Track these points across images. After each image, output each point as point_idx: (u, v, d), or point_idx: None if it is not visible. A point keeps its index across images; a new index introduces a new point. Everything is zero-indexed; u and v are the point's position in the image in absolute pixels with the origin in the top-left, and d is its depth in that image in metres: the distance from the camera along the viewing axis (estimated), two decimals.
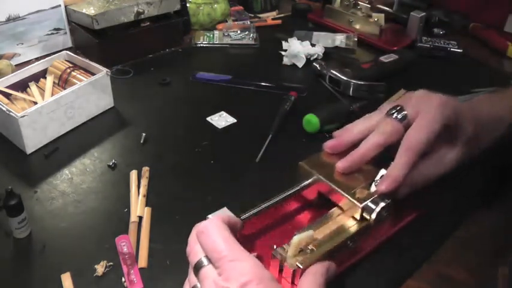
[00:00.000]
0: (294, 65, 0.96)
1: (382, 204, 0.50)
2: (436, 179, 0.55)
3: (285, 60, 0.96)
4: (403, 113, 0.55)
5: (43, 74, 0.81)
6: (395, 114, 0.55)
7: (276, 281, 0.41)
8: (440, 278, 0.53)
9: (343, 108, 0.79)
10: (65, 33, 0.98)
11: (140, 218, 0.59)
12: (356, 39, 1.02)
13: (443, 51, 0.99)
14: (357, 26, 1.07)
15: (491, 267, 0.54)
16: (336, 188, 0.53)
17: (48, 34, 0.96)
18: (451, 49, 0.98)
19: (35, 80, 0.80)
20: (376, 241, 0.54)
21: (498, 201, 0.63)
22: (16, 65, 0.88)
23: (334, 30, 1.09)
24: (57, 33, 0.97)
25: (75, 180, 0.65)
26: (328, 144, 0.58)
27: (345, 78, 0.85)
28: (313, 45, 0.98)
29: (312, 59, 0.97)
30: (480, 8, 1.11)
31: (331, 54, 0.99)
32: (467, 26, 1.10)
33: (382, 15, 1.05)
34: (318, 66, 0.91)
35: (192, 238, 0.45)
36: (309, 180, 0.56)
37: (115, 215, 0.60)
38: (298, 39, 0.99)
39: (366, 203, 0.51)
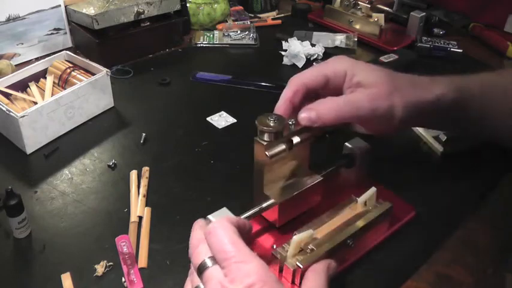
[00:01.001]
0: (294, 65, 0.96)
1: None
2: (365, 116, 0.53)
3: (285, 60, 0.96)
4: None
5: (43, 74, 0.81)
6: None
7: (281, 283, 0.41)
8: (440, 278, 0.53)
9: None
10: (65, 33, 0.98)
11: (140, 218, 0.59)
12: (356, 39, 1.02)
13: (443, 51, 0.99)
14: (357, 26, 1.07)
15: (491, 268, 0.54)
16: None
17: (48, 34, 0.96)
18: (451, 49, 0.98)
19: (35, 80, 0.80)
20: (376, 240, 0.54)
21: (499, 201, 0.63)
22: (16, 65, 0.88)
23: (334, 30, 1.09)
24: (57, 33, 0.97)
25: (75, 180, 0.65)
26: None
27: None
28: (313, 45, 0.98)
29: (312, 59, 0.97)
30: (480, 8, 1.11)
31: (331, 54, 0.99)
32: (467, 26, 1.10)
33: (382, 15, 1.05)
34: None
35: (194, 239, 0.45)
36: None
37: (115, 215, 0.60)
38: (298, 39, 0.99)
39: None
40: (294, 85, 0.55)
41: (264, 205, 0.52)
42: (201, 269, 0.42)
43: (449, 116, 0.58)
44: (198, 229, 0.45)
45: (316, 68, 0.57)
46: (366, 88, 0.53)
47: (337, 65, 0.55)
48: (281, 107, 0.55)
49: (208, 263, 0.42)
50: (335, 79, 0.55)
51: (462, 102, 0.57)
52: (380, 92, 0.53)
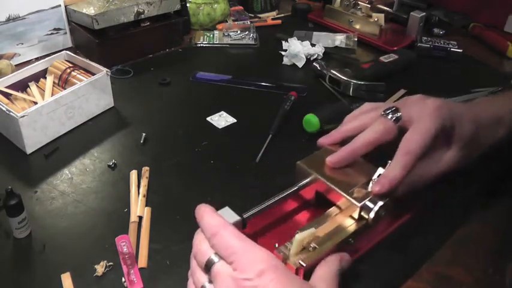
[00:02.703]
0: (294, 65, 0.96)
1: (380, 203, 0.50)
2: (434, 179, 0.56)
3: (285, 60, 0.96)
4: (398, 114, 0.56)
5: (43, 74, 0.81)
6: (390, 115, 0.56)
7: (289, 270, 0.42)
8: (440, 278, 0.53)
9: (343, 108, 0.79)
10: (65, 33, 0.98)
11: (140, 218, 0.59)
12: (356, 39, 1.03)
13: (443, 51, 0.99)
14: (357, 26, 1.07)
15: (491, 268, 0.54)
16: (334, 187, 0.53)
17: (48, 34, 0.96)
18: (451, 49, 0.98)
19: (35, 80, 0.80)
20: (377, 238, 0.54)
21: (498, 202, 0.63)
22: (16, 65, 0.88)
23: (334, 30, 1.09)
24: (57, 33, 0.97)
25: (75, 180, 0.65)
26: (321, 140, 0.60)
27: (345, 78, 0.85)
28: (313, 45, 0.98)
29: (312, 59, 0.97)
30: (480, 8, 1.11)
31: (331, 54, 0.99)
32: (467, 26, 1.10)
33: (382, 15, 1.05)
34: (318, 66, 0.91)
35: (198, 239, 0.45)
36: (307, 180, 0.56)
37: (115, 215, 0.60)
38: (298, 39, 0.99)
39: (363, 202, 0.51)
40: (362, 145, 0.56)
41: (264, 205, 0.52)
42: (209, 265, 0.42)
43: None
44: (200, 232, 0.45)
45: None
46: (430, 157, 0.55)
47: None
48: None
49: (215, 258, 0.42)
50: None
51: None
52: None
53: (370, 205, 0.50)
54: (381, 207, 0.50)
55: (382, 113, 0.57)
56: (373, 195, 0.51)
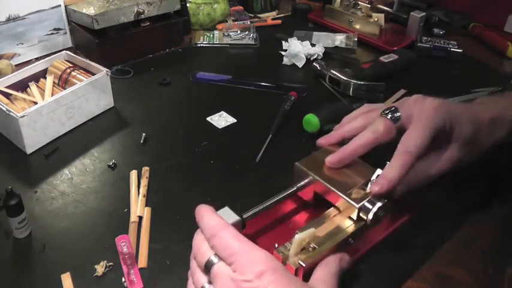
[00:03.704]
0: (294, 65, 0.96)
1: (379, 204, 0.50)
2: (433, 179, 0.56)
3: (285, 60, 0.96)
4: (397, 114, 0.56)
5: (43, 74, 0.81)
6: (389, 115, 0.56)
7: (288, 270, 0.42)
8: (440, 278, 0.53)
9: (343, 108, 0.79)
10: (65, 33, 0.98)
11: (140, 218, 0.59)
12: (356, 39, 1.02)
13: (443, 51, 0.99)
14: (357, 26, 1.07)
15: (491, 268, 0.54)
16: (332, 188, 0.53)
17: (48, 34, 0.96)
18: (451, 49, 0.98)
19: (35, 80, 0.80)
20: (376, 238, 0.54)
21: (498, 202, 0.63)
22: (16, 65, 0.88)
23: (334, 30, 1.09)
24: (57, 33, 0.97)
25: (75, 180, 0.65)
26: (320, 141, 0.60)
27: (345, 78, 0.85)
28: (313, 45, 0.98)
29: (312, 59, 0.97)
30: (480, 8, 1.11)
31: (331, 54, 0.99)
32: (467, 26, 1.10)
33: (382, 15, 1.05)
34: (318, 66, 0.91)
35: (197, 239, 0.45)
36: (305, 181, 0.56)
37: (115, 215, 0.60)
38: (298, 39, 0.99)
39: (362, 203, 0.50)
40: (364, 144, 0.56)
41: (264, 205, 0.52)
42: (209, 266, 0.42)
43: None
44: (200, 233, 0.46)
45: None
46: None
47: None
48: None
49: (215, 259, 0.42)
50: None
51: None
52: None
53: (369, 206, 0.50)
54: (379, 208, 0.50)
55: (381, 113, 0.56)
56: (371, 196, 0.51)
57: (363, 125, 0.57)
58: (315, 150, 0.59)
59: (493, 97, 0.66)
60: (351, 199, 0.51)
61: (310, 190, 0.56)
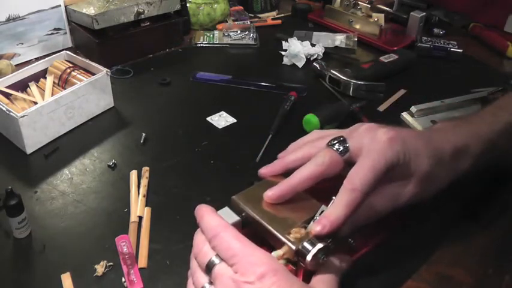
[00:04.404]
0: (294, 65, 0.96)
1: (320, 245, 0.43)
2: (387, 215, 0.51)
3: (285, 60, 0.96)
4: (345, 145, 0.50)
5: (43, 74, 0.81)
6: (336, 146, 0.50)
7: (289, 272, 0.42)
8: (440, 278, 0.53)
9: (343, 108, 0.79)
10: (65, 33, 0.98)
11: (140, 218, 0.59)
12: (356, 39, 1.02)
13: (443, 51, 0.99)
14: (357, 26, 1.07)
15: (491, 268, 0.54)
16: (268, 227, 0.46)
17: (48, 34, 0.96)
18: (451, 49, 0.98)
19: (35, 80, 0.80)
20: (377, 238, 0.54)
21: (498, 202, 0.63)
22: (16, 65, 0.88)
23: (334, 30, 1.09)
24: (57, 33, 0.97)
25: (75, 180, 0.65)
26: (262, 171, 0.54)
27: (345, 78, 0.85)
28: (313, 45, 0.98)
29: (312, 59, 0.97)
30: (480, 8, 1.11)
31: (331, 54, 0.99)
32: (467, 26, 1.10)
33: (382, 15, 1.05)
34: (318, 66, 0.91)
35: (198, 240, 0.45)
36: (235, 220, 0.48)
37: (115, 215, 0.60)
38: (298, 39, 0.99)
39: (301, 244, 0.44)
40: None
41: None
42: (210, 267, 0.42)
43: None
44: (200, 233, 0.46)
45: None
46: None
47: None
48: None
49: (216, 260, 0.42)
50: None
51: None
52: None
53: (308, 247, 0.44)
54: (320, 250, 0.43)
55: (328, 143, 0.51)
56: (312, 235, 0.45)
57: (309, 154, 0.52)
58: (256, 181, 0.54)
59: (455, 122, 0.58)
60: (289, 239, 0.45)
61: (250, 227, 0.50)
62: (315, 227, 0.45)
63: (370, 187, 0.47)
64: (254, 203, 0.49)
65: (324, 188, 0.50)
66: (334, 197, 0.47)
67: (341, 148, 0.50)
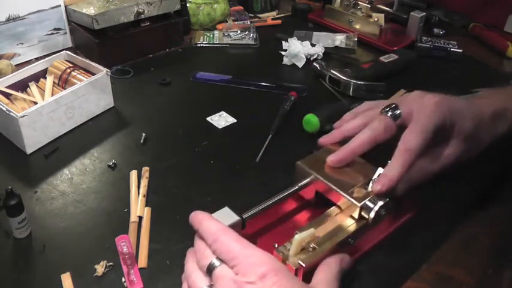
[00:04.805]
0: (294, 65, 0.96)
1: (381, 203, 0.50)
2: (435, 175, 0.55)
3: (285, 60, 0.96)
4: (397, 111, 0.55)
5: (43, 74, 0.81)
6: (389, 112, 0.56)
7: (290, 272, 0.42)
8: (440, 278, 0.53)
9: (343, 108, 0.79)
10: (65, 33, 0.98)
11: (140, 218, 0.59)
12: (356, 39, 1.02)
13: (443, 51, 0.99)
14: (357, 26, 1.07)
15: (491, 268, 0.54)
16: (334, 187, 0.53)
17: (48, 34, 0.96)
18: (451, 49, 0.98)
19: (35, 80, 0.80)
20: (377, 238, 0.54)
21: (499, 202, 0.63)
22: (16, 65, 0.88)
23: (334, 30, 1.09)
24: (57, 33, 0.97)
25: (75, 180, 0.65)
26: (322, 140, 0.60)
27: (345, 78, 0.85)
28: (313, 45, 0.98)
29: (312, 59, 0.97)
30: (480, 8, 1.11)
31: (331, 54, 0.99)
32: (467, 26, 1.10)
33: (382, 15, 1.05)
34: (318, 66, 0.91)
35: (200, 245, 0.45)
36: (307, 180, 0.56)
37: (115, 215, 0.60)
38: (298, 39, 0.99)
39: (363, 202, 0.50)
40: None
41: (264, 205, 0.52)
42: (211, 269, 0.43)
43: None
44: (199, 238, 0.46)
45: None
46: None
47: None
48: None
49: (217, 262, 0.43)
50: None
51: None
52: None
53: (371, 205, 0.50)
54: (381, 207, 0.50)
55: (381, 110, 0.56)
56: (373, 194, 0.51)
57: (363, 123, 0.57)
58: (315, 150, 0.59)
59: (495, 90, 0.65)
60: (353, 198, 0.51)
61: (312, 189, 0.56)
62: (376, 186, 0.50)
63: (421, 148, 0.52)
64: (317, 167, 0.55)
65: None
66: (389, 161, 0.52)
67: (394, 114, 0.55)
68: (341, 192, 0.52)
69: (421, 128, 0.52)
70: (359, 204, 0.50)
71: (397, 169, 0.51)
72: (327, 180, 0.54)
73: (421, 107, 0.54)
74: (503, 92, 0.64)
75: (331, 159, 0.55)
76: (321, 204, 0.55)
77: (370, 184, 0.52)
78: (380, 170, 0.53)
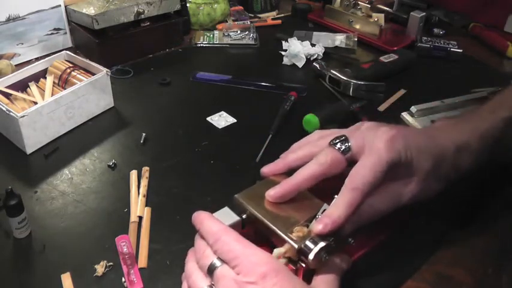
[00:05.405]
0: (294, 65, 0.96)
1: (322, 244, 0.43)
2: (390, 213, 0.50)
3: (285, 60, 0.96)
4: (347, 144, 0.50)
5: (43, 74, 0.81)
6: (338, 145, 0.50)
7: (290, 272, 0.42)
8: (440, 278, 0.53)
9: (343, 108, 0.79)
10: (65, 33, 0.98)
11: (140, 218, 0.59)
12: (356, 39, 1.02)
13: (443, 51, 0.99)
14: (357, 26, 1.07)
15: (491, 268, 0.54)
16: (271, 226, 0.47)
17: (48, 34, 0.96)
18: (451, 49, 0.98)
19: (35, 80, 0.80)
20: (377, 238, 0.54)
21: (499, 202, 0.63)
22: (16, 65, 0.88)
23: (334, 30, 1.09)
24: (57, 33, 0.97)
25: (75, 180, 0.65)
26: (264, 170, 0.54)
27: (345, 78, 0.85)
28: (313, 45, 0.98)
29: (312, 59, 0.97)
30: (480, 8, 1.11)
31: (331, 54, 0.99)
32: (467, 26, 1.10)
33: (382, 15, 1.05)
34: (318, 66, 0.91)
35: (200, 244, 0.45)
36: (235, 220, 0.49)
37: (115, 215, 0.60)
38: (298, 39, 0.99)
39: (303, 242, 0.44)
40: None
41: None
42: (211, 269, 0.43)
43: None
44: (201, 238, 0.46)
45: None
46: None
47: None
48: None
49: (218, 263, 0.43)
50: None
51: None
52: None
53: (311, 246, 0.44)
54: (322, 248, 0.43)
55: (330, 142, 0.51)
56: (314, 234, 0.45)
57: (310, 154, 0.52)
58: (259, 180, 0.54)
59: (456, 121, 0.57)
60: (292, 238, 0.45)
61: (252, 226, 0.50)
62: (317, 226, 0.45)
63: (371, 186, 0.47)
64: (256, 201, 0.49)
65: (326, 187, 0.50)
66: (336, 196, 0.47)
67: (343, 147, 0.50)
68: (278, 231, 0.46)
69: (371, 164, 0.47)
70: (296, 246, 0.44)
71: (342, 209, 0.46)
72: (265, 216, 0.47)
73: (373, 141, 0.49)
74: (465, 122, 0.57)
75: (270, 194, 0.49)
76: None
77: (313, 222, 0.46)
78: (325, 206, 0.48)
